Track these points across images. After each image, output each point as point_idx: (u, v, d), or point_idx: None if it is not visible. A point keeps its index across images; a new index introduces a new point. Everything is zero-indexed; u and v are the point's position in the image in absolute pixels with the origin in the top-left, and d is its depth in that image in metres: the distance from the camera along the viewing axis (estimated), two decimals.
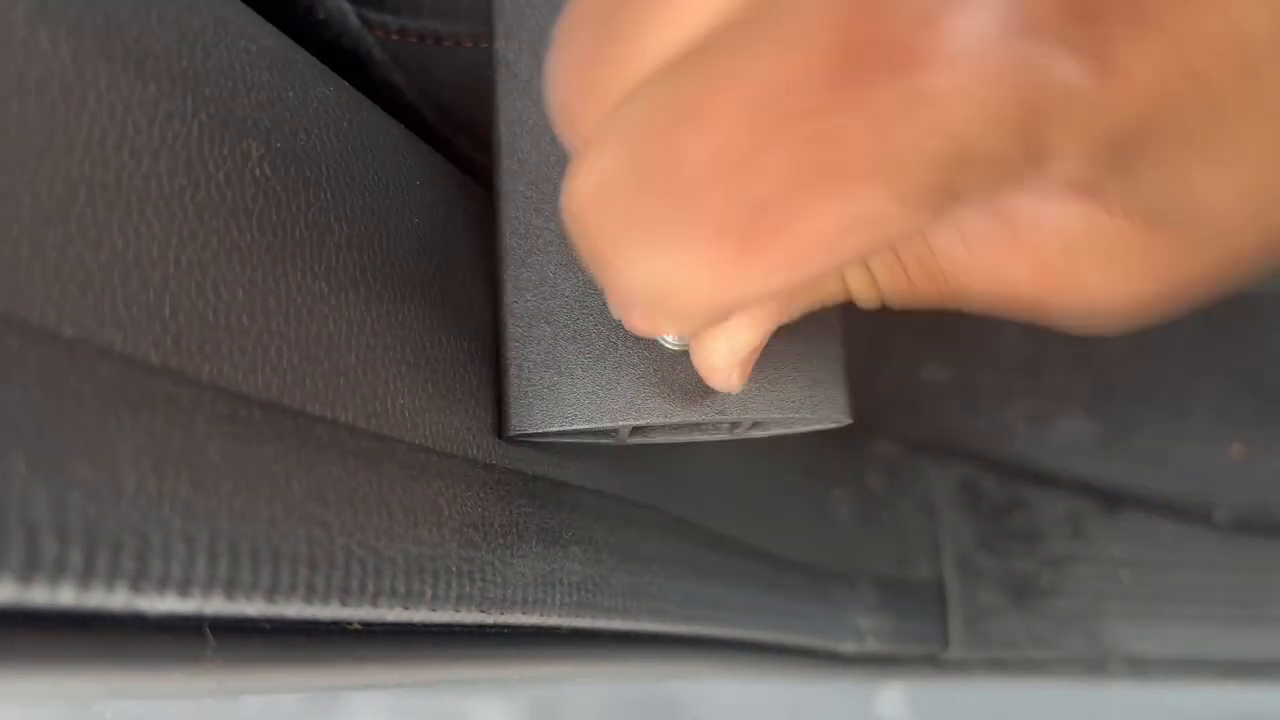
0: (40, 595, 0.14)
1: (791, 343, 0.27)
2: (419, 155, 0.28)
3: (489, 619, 0.24)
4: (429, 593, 0.22)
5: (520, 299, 0.26)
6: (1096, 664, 0.66)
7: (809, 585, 0.47)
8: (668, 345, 0.26)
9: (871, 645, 0.52)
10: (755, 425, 0.28)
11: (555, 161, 0.26)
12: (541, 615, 0.26)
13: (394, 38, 0.36)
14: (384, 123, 0.27)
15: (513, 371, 0.26)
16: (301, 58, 0.24)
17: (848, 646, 0.50)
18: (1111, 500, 0.68)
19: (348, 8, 0.34)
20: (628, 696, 0.49)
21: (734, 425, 0.28)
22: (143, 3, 0.19)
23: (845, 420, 0.28)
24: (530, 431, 0.26)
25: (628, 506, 0.32)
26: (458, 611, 0.23)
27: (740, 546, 0.41)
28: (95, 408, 0.15)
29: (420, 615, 0.22)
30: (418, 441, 0.23)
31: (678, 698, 0.55)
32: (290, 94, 0.22)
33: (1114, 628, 0.66)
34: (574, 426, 0.25)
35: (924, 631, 0.58)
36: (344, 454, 0.20)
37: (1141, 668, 0.66)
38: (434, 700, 0.40)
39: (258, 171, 0.20)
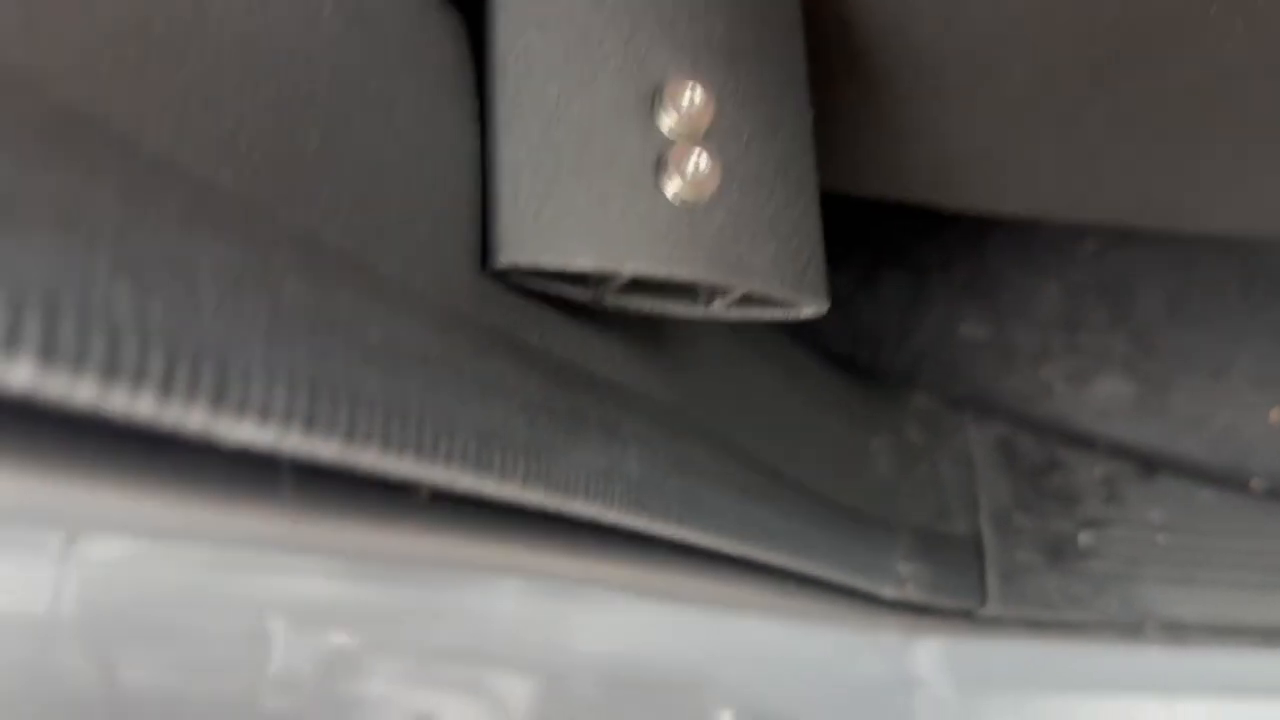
0: (119, 400, 0.14)
1: (782, 222, 0.26)
2: (452, 26, 0.27)
3: (551, 502, 0.23)
4: (497, 463, 0.21)
5: (515, 135, 0.24)
6: (1133, 628, 0.65)
7: (852, 526, 0.46)
8: (673, 198, 0.25)
9: (911, 592, 0.51)
10: (733, 304, 0.28)
11: None
12: (601, 507, 0.25)
13: None
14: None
15: (507, 199, 0.24)
16: None
17: (888, 591, 0.50)
18: (1148, 465, 0.68)
19: None
20: (642, 669, 0.49)
21: (711, 299, 0.28)
22: None
23: (823, 305, 0.28)
24: (521, 262, 0.24)
25: (683, 420, 0.32)
26: (524, 488, 0.22)
27: (789, 480, 0.40)
28: (175, 222, 0.15)
29: (489, 488, 0.21)
30: (483, 317, 0.23)
31: (698, 668, 0.55)
32: None
33: (1150, 591, 0.66)
34: (569, 263, 0.24)
35: (962, 585, 0.57)
36: (415, 314, 0.20)
37: (1178, 632, 0.66)
38: (452, 670, 0.40)
39: (328, 26, 0.20)
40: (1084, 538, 0.64)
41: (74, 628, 0.31)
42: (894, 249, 0.63)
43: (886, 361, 0.62)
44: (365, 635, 0.37)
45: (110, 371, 0.14)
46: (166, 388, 0.14)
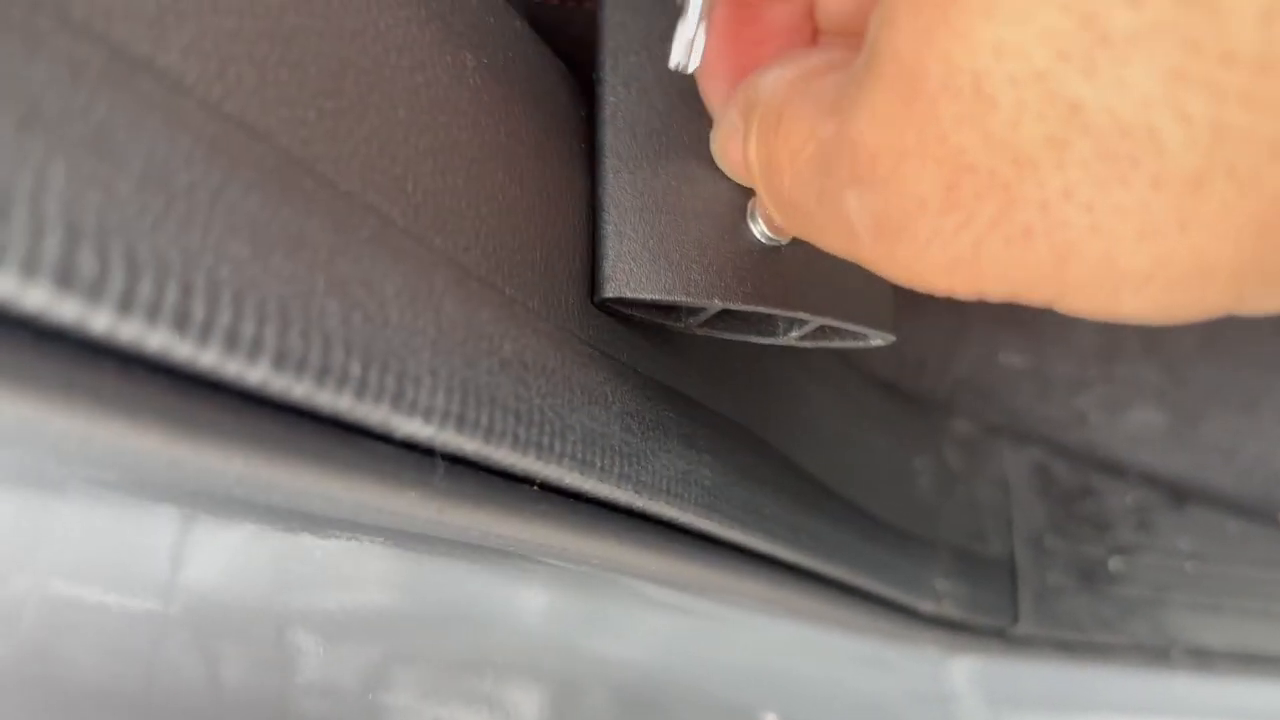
0: (325, 398, 0.17)
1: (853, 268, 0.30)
2: (565, 80, 0.30)
3: (638, 501, 0.26)
4: (598, 464, 0.24)
5: (622, 182, 0.28)
6: (1160, 652, 0.67)
7: (894, 541, 0.49)
8: (759, 239, 0.28)
9: (948, 608, 0.54)
10: (808, 336, 0.31)
11: (657, 61, 0.28)
12: (679, 509, 0.28)
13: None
14: (547, 53, 0.29)
15: (611, 241, 0.27)
16: None
17: (926, 605, 0.52)
18: (1179, 494, 0.70)
19: None
20: (676, 677, 0.51)
21: (788, 330, 0.31)
22: None
23: (890, 338, 0.31)
24: (624, 295, 0.27)
25: (749, 435, 0.34)
26: (618, 487, 0.25)
27: (837, 494, 0.43)
28: (368, 248, 0.18)
29: (589, 485, 0.24)
30: (584, 337, 0.26)
31: (735, 679, 0.57)
32: (490, 20, 0.25)
33: (1178, 617, 0.68)
34: (665, 297, 0.27)
35: (996, 603, 0.60)
36: (538, 332, 0.23)
37: (1204, 659, 0.68)
38: (466, 684, 0.42)
39: (472, 80, 0.23)
40: (1114, 563, 0.66)
41: (183, 623, 0.34)
42: None
43: (928, 387, 0.64)
44: (392, 645, 0.39)
45: (323, 373, 0.17)
46: (361, 390, 0.17)
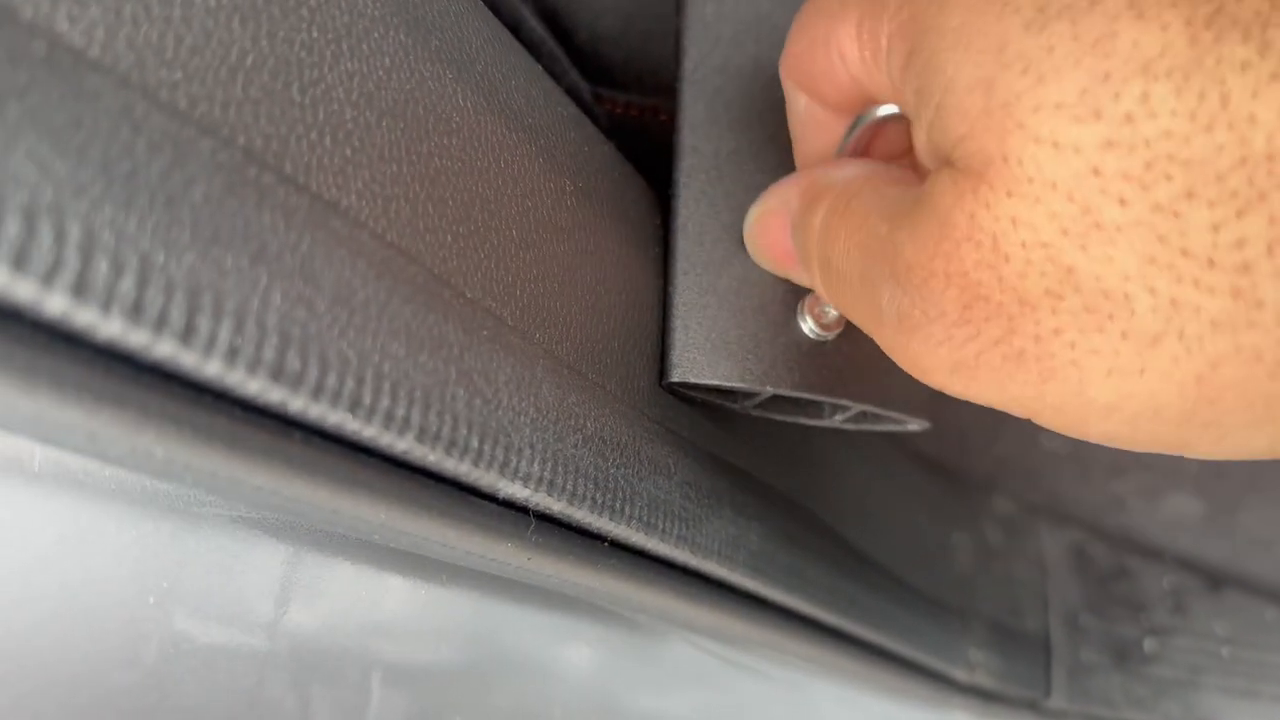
0: (450, 464, 0.22)
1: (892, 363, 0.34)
2: (645, 194, 0.35)
3: (693, 561, 0.31)
4: (660, 526, 0.28)
5: (689, 283, 0.32)
6: None
7: (929, 609, 0.52)
8: (807, 334, 0.32)
9: (981, 678, 0.57)
10: (850, 419, 0.35)
11: (725, 179, 0.33)
12: (729, 570, 0.32)
13: (618, 110, 0.44)
14: (630, 172, 0.34)
15: (679, 333, 0.32)
16: (588, 122, 0.31)
17: (959, 674, 0.55)
18: (1215, 579, 0.72)
19: (584, 84, 0.42)
20: None
21: (833, 414, 0.35)
22: (512, 73, 0.27)
23: (925, 424, 0.35)
24: (689, 380, 0.32)
25: (794, 505, 0.38)
26: (676, 548, 0.29)
27: (875, 563, 0.47)
28: (487, 345, 0.23)
29: (651, 544, 0.29)
30: (653, 415, 0.30)
31: None
32: (586, 149, 0.30)
33: (1211, 700, 0.69)
34: (724, 382, 0.32)
35: (1029, 676, 0.62)
36: (614, 411, 0.27)
37: None
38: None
39: (569, 202, 0.28)
40: (1149, 643, 0.69)
41: (285, 662, 0.36)
42: None
43: (970, 465, 0.68)
44: (447, 695, 0.42)
45: (451, 445, 0.21)
46: (478, 459, 0.22)
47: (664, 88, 0.43)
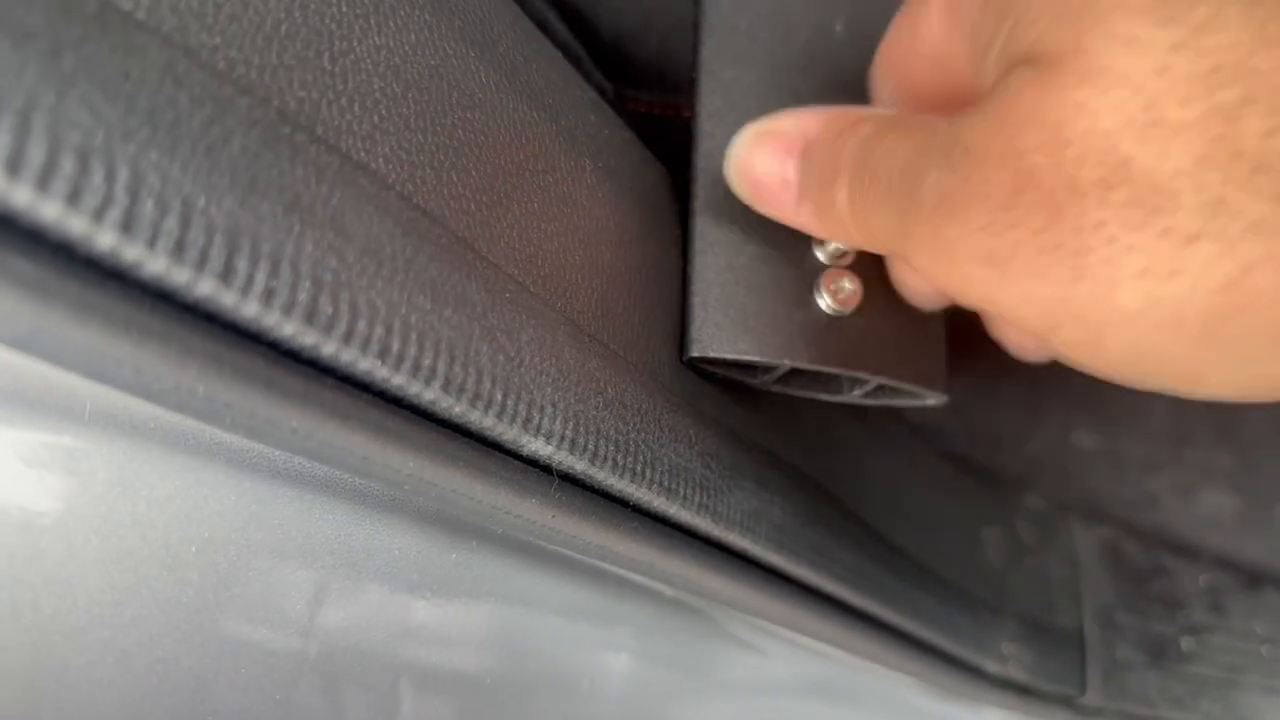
0: (475, 416, 0.23)
1: (910, 331, 0.34)
2: (664, 179, 0.36)
3: (715, 530, 0.31)
4: (681, 492, 0.29)
5: (708, 261, 0.33)
6: None
7: (960, 600, 0.53)
8: (825, 310, 0.33)
9: (1013, 671, 0.57)
10: (868, 394, 0.36)
11: None
12: (751, 541, 0.33)
13: (642, 109, 0.45)
14: (650, 158, 0.35)
15: (699, 309, 0.33)
16: (608, 108, 0.33)
17: (991, 666, 0.55)
18: (1253, 577, 0.71)
19: (608, 85, 0.43)
20: None
21: (850, 388, 0.36)
22: (533, 57, 0.28)
23: (942, 397, 0.36)
24: (708, 354, 0.33)
25: (818, 487, 0.39)
26: (697, 515, 0.30)
27: (904, 551, 0.47)
28: (510, 306, 0.24)
29: (673, 510, 0.29)
30: (673, 388, 0.31)
31: None
32: (606, 132, 0.31)
33: (1250, 699, 0.69)
34: (742, 357, 0.33)
35: (1063, 672, 0.62)
36: (635, 380, 0.28)
37: None
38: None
39: (589, 180, 0.29)
40: (1186, 642, 0.68)
41: (317, 665, 0.36)
42: (1012, 360, 0.69)
43: (1001, 463, 0.68)
44: (478, 706, 0.42)
45: (475, 398, 0.22)
46: (500, 413, 0.23)
47: (686, 85, 0.44)
